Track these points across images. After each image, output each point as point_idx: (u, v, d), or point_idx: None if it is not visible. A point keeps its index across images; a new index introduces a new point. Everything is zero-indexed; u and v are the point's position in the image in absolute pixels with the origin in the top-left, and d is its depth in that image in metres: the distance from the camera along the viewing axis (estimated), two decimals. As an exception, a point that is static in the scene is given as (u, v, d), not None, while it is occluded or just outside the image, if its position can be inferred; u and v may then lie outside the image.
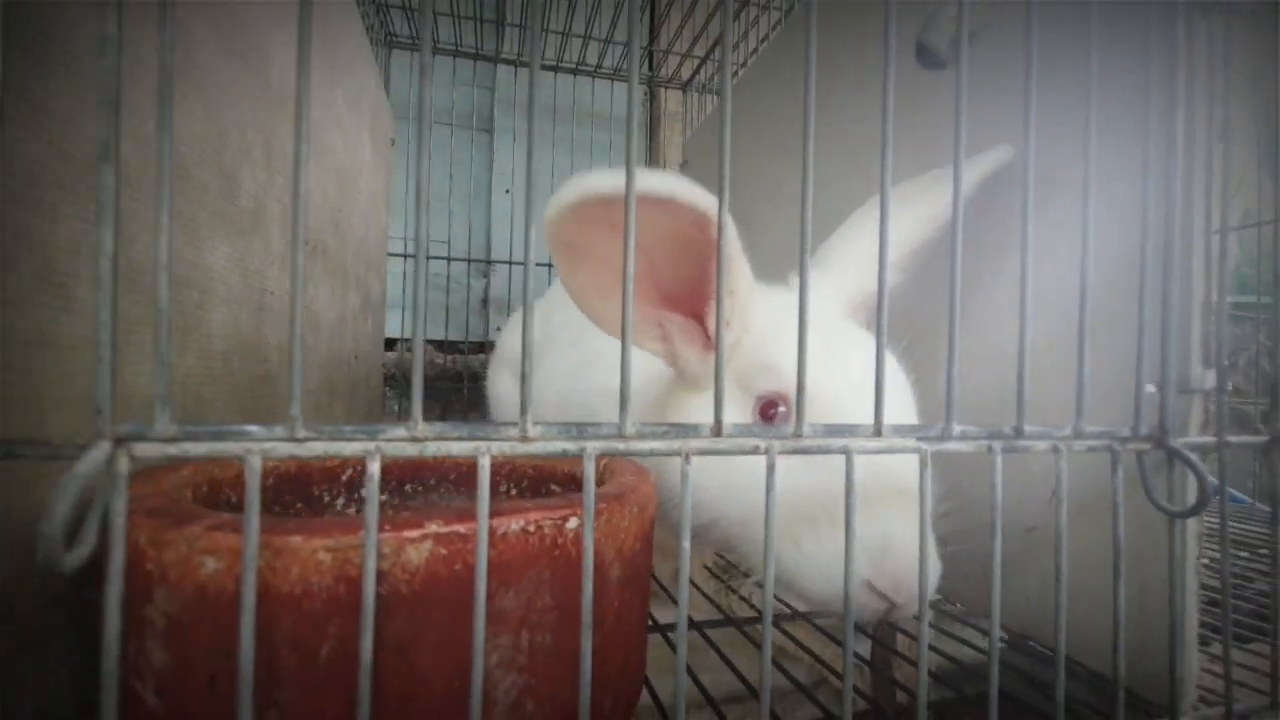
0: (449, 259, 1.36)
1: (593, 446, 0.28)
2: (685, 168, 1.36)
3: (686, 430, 0.29)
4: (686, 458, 0.29)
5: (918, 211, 0.55)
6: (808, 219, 0.30)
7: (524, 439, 0.27)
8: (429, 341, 1.39)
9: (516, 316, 0.93)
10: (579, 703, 0.30)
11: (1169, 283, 0.37)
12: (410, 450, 0.26)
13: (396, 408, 1.34)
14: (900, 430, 0.32)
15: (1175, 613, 0.37)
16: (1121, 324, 0.41)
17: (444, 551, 0.27)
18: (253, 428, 0.25)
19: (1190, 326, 0.38)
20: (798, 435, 0.30)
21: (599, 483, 0.39)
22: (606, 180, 0.36)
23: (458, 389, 1.35)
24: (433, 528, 0.27)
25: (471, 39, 1.33)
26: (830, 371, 0.45)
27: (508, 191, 1.45)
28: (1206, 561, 0.46)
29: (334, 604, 0.26)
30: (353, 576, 0.26)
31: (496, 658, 0.28)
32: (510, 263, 1.41)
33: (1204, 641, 0.46)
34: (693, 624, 0.59)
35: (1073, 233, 0.41)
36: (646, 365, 0.55)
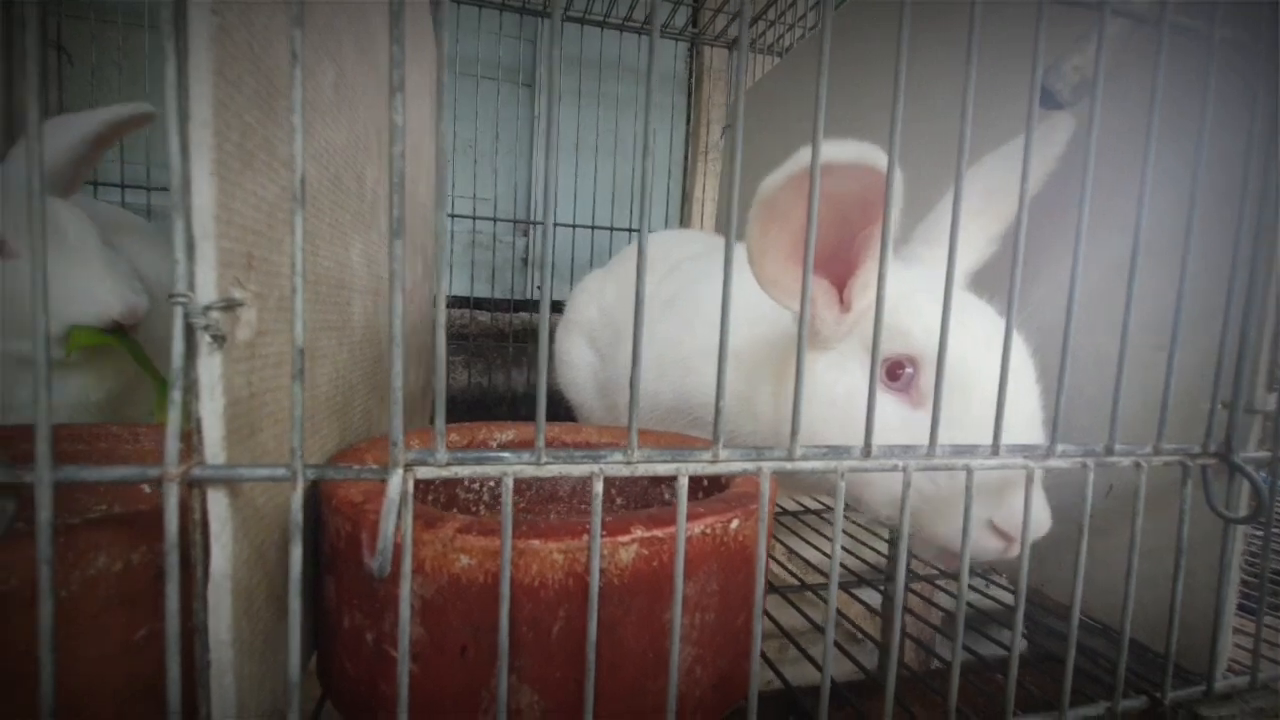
0: (495, 219, 1.38)
1: (768, 466, 0.33)
2: (730, 131, 1.36)
3: (840, 452, 0.34)
4: (842, 475, 0.34)
5: (1011, 186, 0.55)
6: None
7: (714, 461, 0.32)
8: (476, 300, 1.42)
9: (589, 282, 0.95)
10: (735, 669, 0.36)
11: (1249, 319, 0.41)
12: (624, 471, 0.31)
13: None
14: (1012, 450, 0.37)
15: (1221, 600, 0.44)
16: (1187, 343, 0.45)
17: (645, 552, 0.32)
18: (506, 454, 0.29)
19: (1261, 356, 0.43)
20: (930, 455, 0.36)
21: (728, 484, 0.44)
22: (836, 151, 0.38)
23: (501, 346, 1.40)
24: (638, 533, 0.32)
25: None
26: (955, 333, 0.48)
27: (549, 149, 1.45)
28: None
29: (563, 593, 0.31)
30: (579, 572, 0.31)
31: (679, 634, 0.34)
32: (558, 225, 1.43)
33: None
34: (773, 588, 0.66)
35: (1161, 250, 0.45)
36: (756, 320, 0.58)
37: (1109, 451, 0.39)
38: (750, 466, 0.33)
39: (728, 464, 0.32)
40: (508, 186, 1.41)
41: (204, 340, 0.27)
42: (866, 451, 0.34)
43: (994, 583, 0.77)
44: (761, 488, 0.33)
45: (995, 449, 0.37)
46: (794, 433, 0.33)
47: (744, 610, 0.38)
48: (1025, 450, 0.37)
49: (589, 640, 0.30)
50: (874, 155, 0.38)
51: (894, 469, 0.35)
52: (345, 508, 0.34)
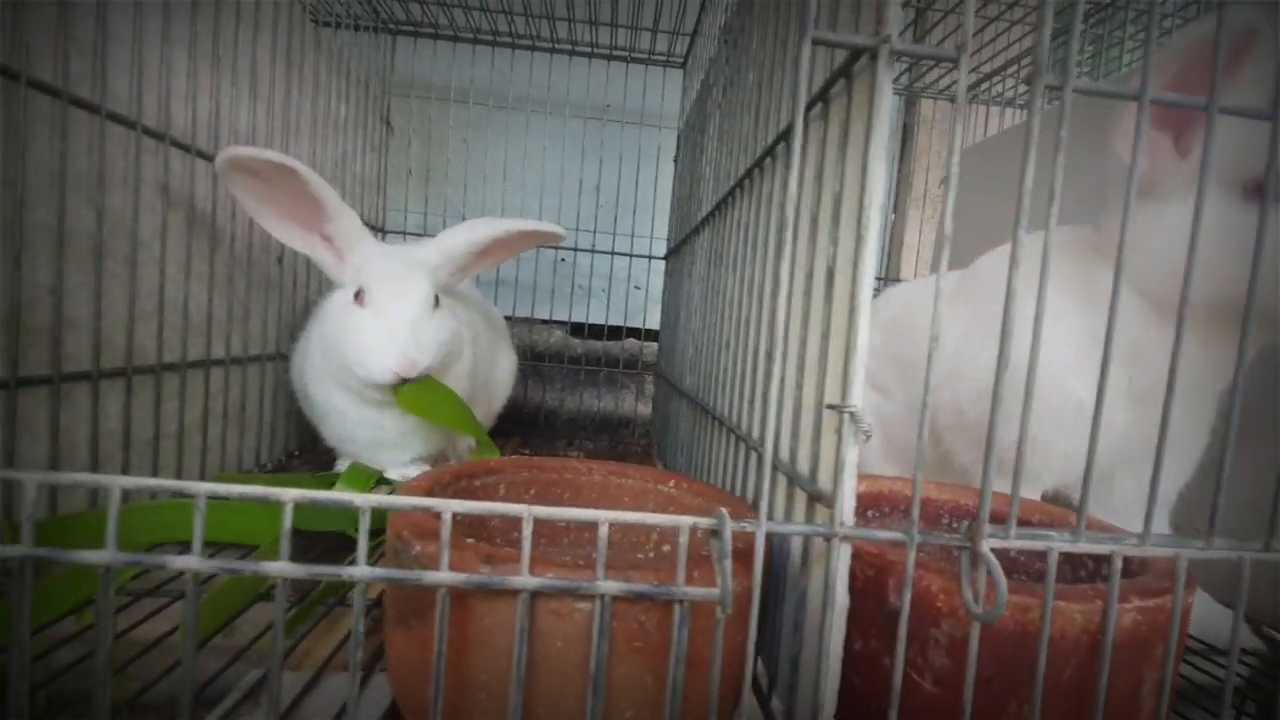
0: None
1: (1248, 556, 0.39)
2: (947, 181, 1.40)
3: (1307, 547, 0.40)
4: (1310, 568, 0.40)
5: None
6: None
7: (1206, 548, 0.39)
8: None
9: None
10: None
11: None
12: (1136, 552, 0.39)
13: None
14: None
15: None
16: None
17: (1140, 618, 0.40)
18: (1051, 533, 0.38)
19: None
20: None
21: (1135, 570, 0.50)
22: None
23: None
24: (1135, 602, 0.40)
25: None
26: None
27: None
28: None
29: (1075, 645, 0.39)
30: (1091, 630, 0.39)
31: (1148, 688, 0.41)
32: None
33: None
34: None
35: None
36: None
37: None
38: (1232, 555, 0.39)
39: (1214, 552, 0.39)
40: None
41: (854, 437, 0.37)
42: (1332, 548, 0.40)
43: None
44: (1243, 575, 0.39)
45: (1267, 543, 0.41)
46: (1271, 527, 0.39)
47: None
48: None
49: (1100, 685, 0.38)
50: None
51: (1354, 565, 0.40)
52: (867, 555, 0.44)
